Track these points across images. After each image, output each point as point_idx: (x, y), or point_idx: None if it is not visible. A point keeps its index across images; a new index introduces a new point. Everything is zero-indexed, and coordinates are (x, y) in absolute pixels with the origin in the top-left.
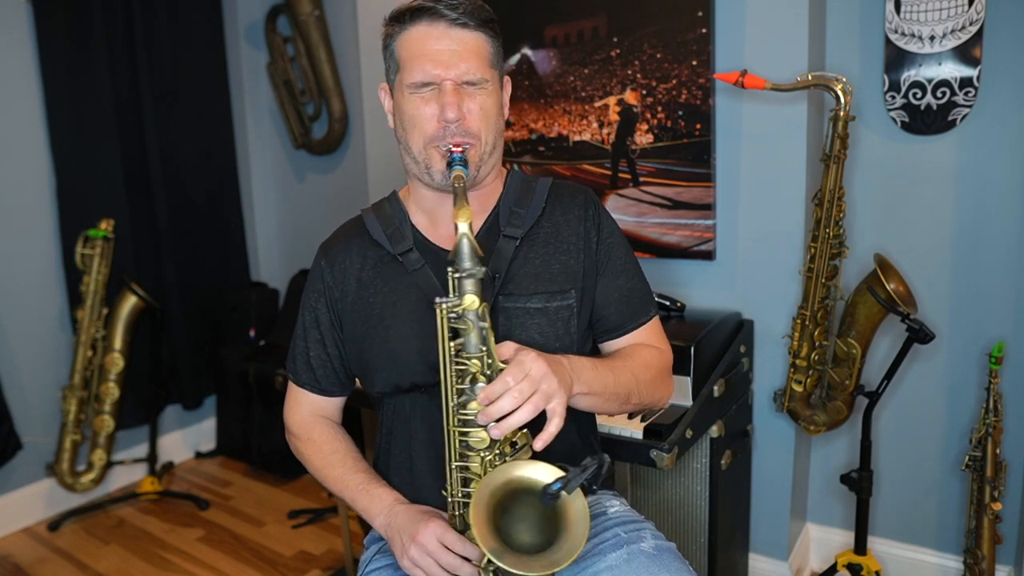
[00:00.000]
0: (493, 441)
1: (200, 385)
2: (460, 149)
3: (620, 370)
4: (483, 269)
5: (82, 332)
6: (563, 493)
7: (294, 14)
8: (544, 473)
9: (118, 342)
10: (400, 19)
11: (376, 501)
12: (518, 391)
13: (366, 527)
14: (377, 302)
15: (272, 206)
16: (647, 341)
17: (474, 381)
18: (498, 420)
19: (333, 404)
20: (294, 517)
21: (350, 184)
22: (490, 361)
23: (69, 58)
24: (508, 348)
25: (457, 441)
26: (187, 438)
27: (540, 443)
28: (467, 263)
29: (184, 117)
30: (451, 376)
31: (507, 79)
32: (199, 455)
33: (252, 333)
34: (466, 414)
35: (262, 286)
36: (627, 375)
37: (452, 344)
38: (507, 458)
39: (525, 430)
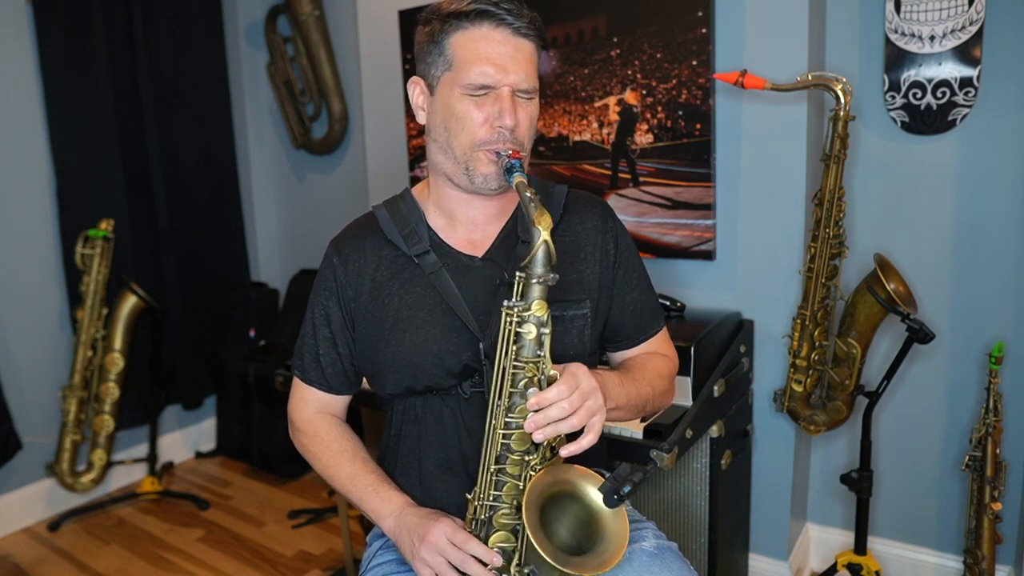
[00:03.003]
0: (536, 445)
1: (200, 385)
2: (518, 155)
3: (640, 382)
4: (555, 276)
5: (82, 332)
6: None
7: (294, 14)
8: (585, 478)
9: (118, 342)
10: (460, 17)
11: (387, 503)
12: (569, 402)
13: (366, 527)
14: (393, 304)
15: (272, 206)
16: (658, 350)
17: (527, 386)
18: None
19: (340, 402)
20: (294, 517)
21: (350, 184)
22: (544, 367)
23: (69, 58)
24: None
25: (499, 444)
26: (187, 438)
27: (566, 452)
28: (540, 269)
29: (184, 117)
30: (506, 379)
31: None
32: (199, 455)
33: (252, 333)
34: (513, 417)
35: (262, 286)
36: (646, 386)
37: (513, 348)
38: (546, 462)
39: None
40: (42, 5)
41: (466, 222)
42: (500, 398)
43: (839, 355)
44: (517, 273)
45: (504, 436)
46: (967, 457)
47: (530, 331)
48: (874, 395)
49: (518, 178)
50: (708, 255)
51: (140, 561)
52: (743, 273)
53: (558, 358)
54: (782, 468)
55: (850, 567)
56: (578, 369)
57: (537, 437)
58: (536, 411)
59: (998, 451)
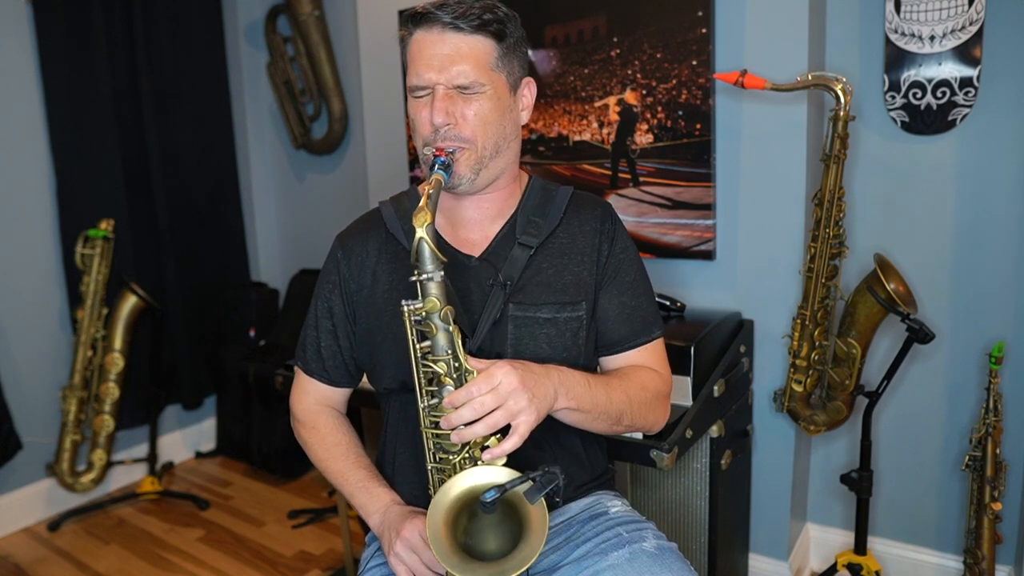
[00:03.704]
0: (463, 444)
1: (200, 385)
2: (442, 153)
3: (614, 389)
4: (442, 273)
5: (82, 332)
6: (500, 501)
7: (294, 14)
8: (503, 479)
9: (118, 342)
10: (406, 24)
11: (374, 499)
12: (479, 403)
13: (366, 527)
14: (392, 299)
15: (272, 206)
16: (646, 363)
17: (441, 384)
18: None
19: (340, 394)
20: (294, 517)
21: (350, 184)
22: (456, 364)
23: (69, 58)
24: (481, 362)
25: (432, 442)
26: (187, 438)
27: (488, 456)
28: (429, 266)
29: (184, 117)
30: (421, 378)
31: (529, 81)
32: (199, 455)
33: (252, 333)
34: (438, 415)
35: (262, 286)
36: (621, 395)
37: (420, 346)
38: (479, 461)
39: (498, 434)
40: (42, 5)
41: (465, 222)
42: (421, 397)
43: (839, 355)
44: (415, 272)
45: (435, 435)
46: (967, 457)
47: (432, 329)
48: (874, 395)
49: (435, 176)
50: (708, 255)
51: (140, 561)
52: (743, 273)
53: (552, 360)
54: (782, 468)
55: (850, 567)
56: (499, 368)
57: (453, 438)
58: (452, 411)
59: (998, 451)
